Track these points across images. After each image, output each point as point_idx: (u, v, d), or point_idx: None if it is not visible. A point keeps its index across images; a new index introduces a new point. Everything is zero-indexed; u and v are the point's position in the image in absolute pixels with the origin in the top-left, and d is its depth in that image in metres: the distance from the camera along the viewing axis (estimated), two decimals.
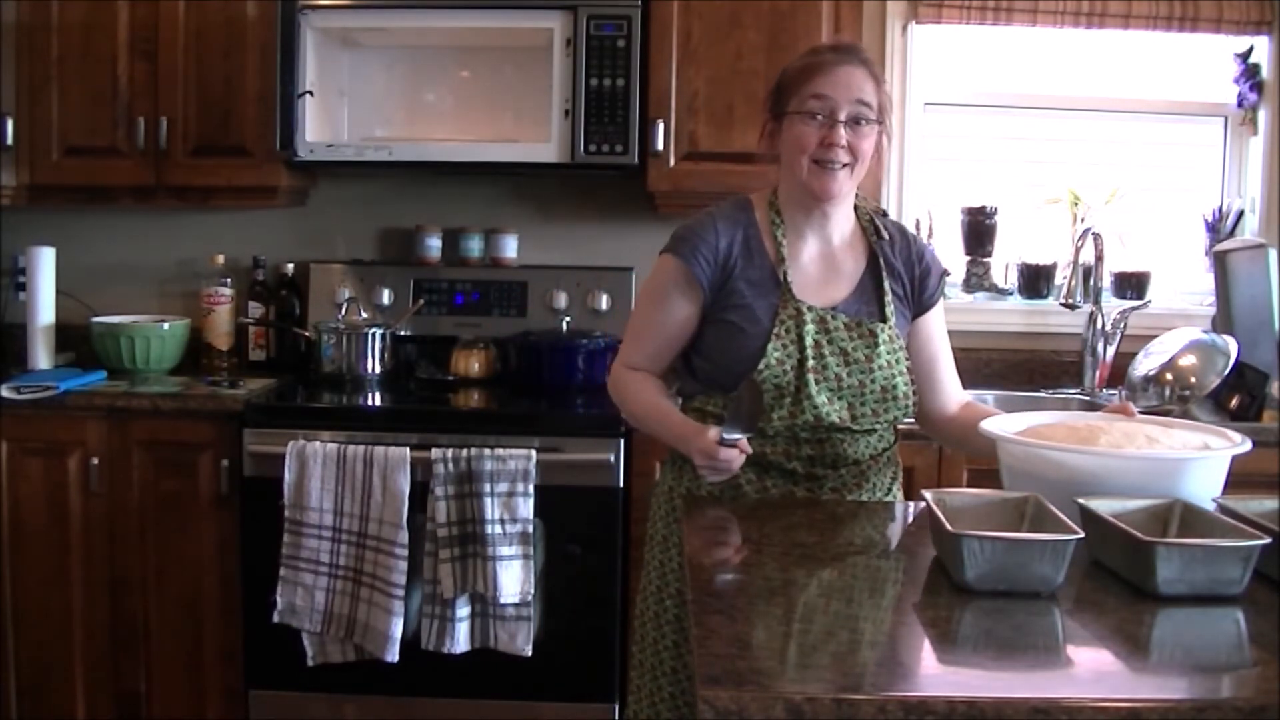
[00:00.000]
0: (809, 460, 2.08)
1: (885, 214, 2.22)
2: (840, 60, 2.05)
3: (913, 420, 2.24)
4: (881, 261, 2.13)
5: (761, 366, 2.03)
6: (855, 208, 2.18)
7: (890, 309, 2.11)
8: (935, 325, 2.18)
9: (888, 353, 2.08)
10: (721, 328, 2.09)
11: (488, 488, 2.82)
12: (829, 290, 2.10)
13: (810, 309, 2.07)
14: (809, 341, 2.04)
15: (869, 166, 2.11)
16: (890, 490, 2.18)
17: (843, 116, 2.03)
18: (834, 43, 2.17)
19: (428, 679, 2.93)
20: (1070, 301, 3.34)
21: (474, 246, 3.51)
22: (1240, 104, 3.61)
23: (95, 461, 3.01)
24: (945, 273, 2.20)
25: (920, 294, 2.15)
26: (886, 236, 2.15)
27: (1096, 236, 3.39)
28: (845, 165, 2.05)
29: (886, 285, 2.11)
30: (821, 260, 2.13)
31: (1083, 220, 3.60)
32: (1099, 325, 3.44)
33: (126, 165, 3.23)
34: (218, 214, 3.54)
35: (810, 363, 2.04)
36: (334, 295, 3.43)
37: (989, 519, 1.73)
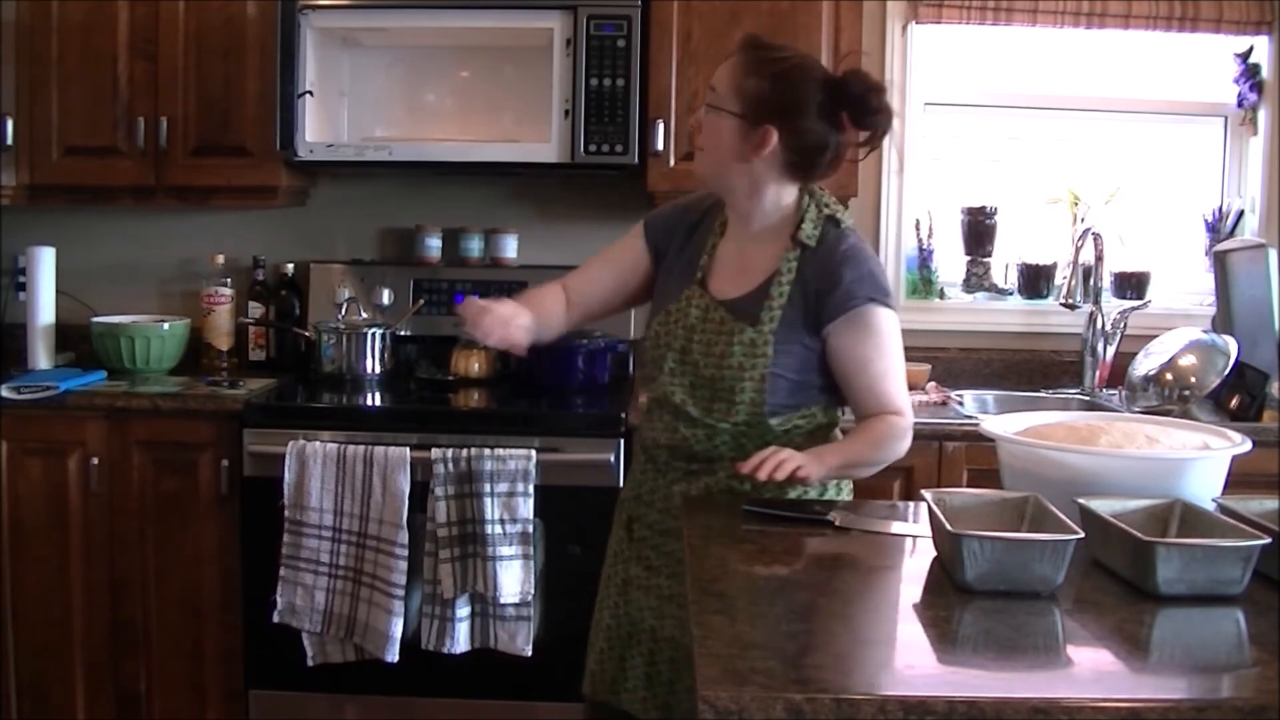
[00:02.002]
0: (668, 450, 2.14)
1: (839, 223, 2.11)
2: (730, 54, 2.09)
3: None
4: (787, 268, 2.09)
5: (644, 336, 2.20)
6: (807, 212, 2.11)
7: (769, 315, 2.07)
8: (844, 344, 2.07)
9: (742, 354, 2.06)
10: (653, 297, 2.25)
11: (488, 488, 2.82)
12: (734, 284, 2.13)
13: (701, 296, 2.12)
14: (688, 324, 2.11)
15: (721, 148, 2.06)
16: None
17: (703, 104, 2.10)
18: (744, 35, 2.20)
19: (428, 679, 2.93)
20: (1070, 301, 3.34)
21: (474, 246, 3.51)
22: (1240, 104, 3.61)
23: (95, 461, 3.01)
24: (867, 298, 2.05)
25: (818, 310, 2.07)
26: (813, 245, 2.08)
27: (1096, 236, 3.39)
28: (700, 149, 2.12)
29: (776, 291, 2.08)
30: (738, 255, 2.15)
31: (1083, 220, 3.60)
32: (1099, 325, 3.44)
33: (126, 165, 3.23)
34: (218, 214, 3.54)
35: (679, 343, 2.12)
36: (334, 295, 3.43)
37: (989, 519, 1.73)
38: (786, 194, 2.11)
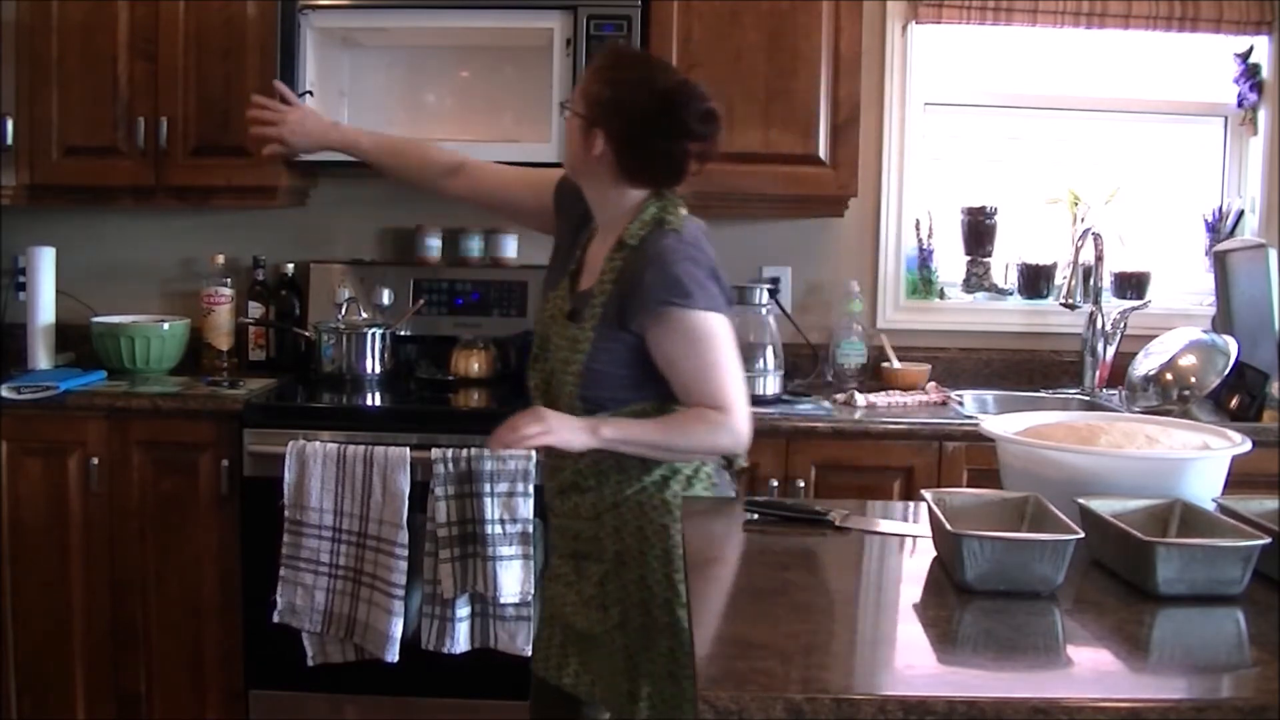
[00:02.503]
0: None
1: (666, 225, 2.12)
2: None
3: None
4: (610, 267, 2.14)
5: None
6: (641, 215, 2.14)
7: (591, 313, 2.13)
8: (653, 342, 2.09)
9: (566, 350, 2.14)
10: None
11: (488, 488, 2.82)
12: (585, 280, 2.21)
13: (565, 290, 2.22)
14: (551, 315, 2.23)
15: (571, 145, 2.18)
16: (621, 495, 2.15)
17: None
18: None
19: (428, 679, 2.93)
20: (1070, 301, 3.34)
21: (474, 246, 3.51)
22: (1240, 104, 3.61)
23: (95, 461, 3.01)
24: (663, 301, 2.06)
25: (623, 310, 2.10)
26: (634, 245, 2.12)
27: (1096, 236, 3.39)
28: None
29: (598, 290, 2.13)
30: (595, 253, 2.22)
31: (1083, 220, 3.60)
32: (1099, 325, 3.44)
33: (126, 165, 3.23)
34: (218, 214, 3.54)
35: (542, 332, 2.25)
36: (334, 295, 3.43)
37: (989, 519, 1.73)
38: (629, 197, 2.16)
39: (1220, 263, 3.36)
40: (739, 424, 2.09)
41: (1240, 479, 1.92)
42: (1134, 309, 3.48)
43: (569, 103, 2.18)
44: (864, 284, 3.54)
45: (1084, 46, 3.60)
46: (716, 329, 2.10)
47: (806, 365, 3.44)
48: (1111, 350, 3.44)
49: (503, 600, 2.83)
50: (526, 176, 2.47)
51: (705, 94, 2.12)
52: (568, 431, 2.07)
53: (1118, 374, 3.38)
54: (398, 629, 2.82)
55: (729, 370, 2.10)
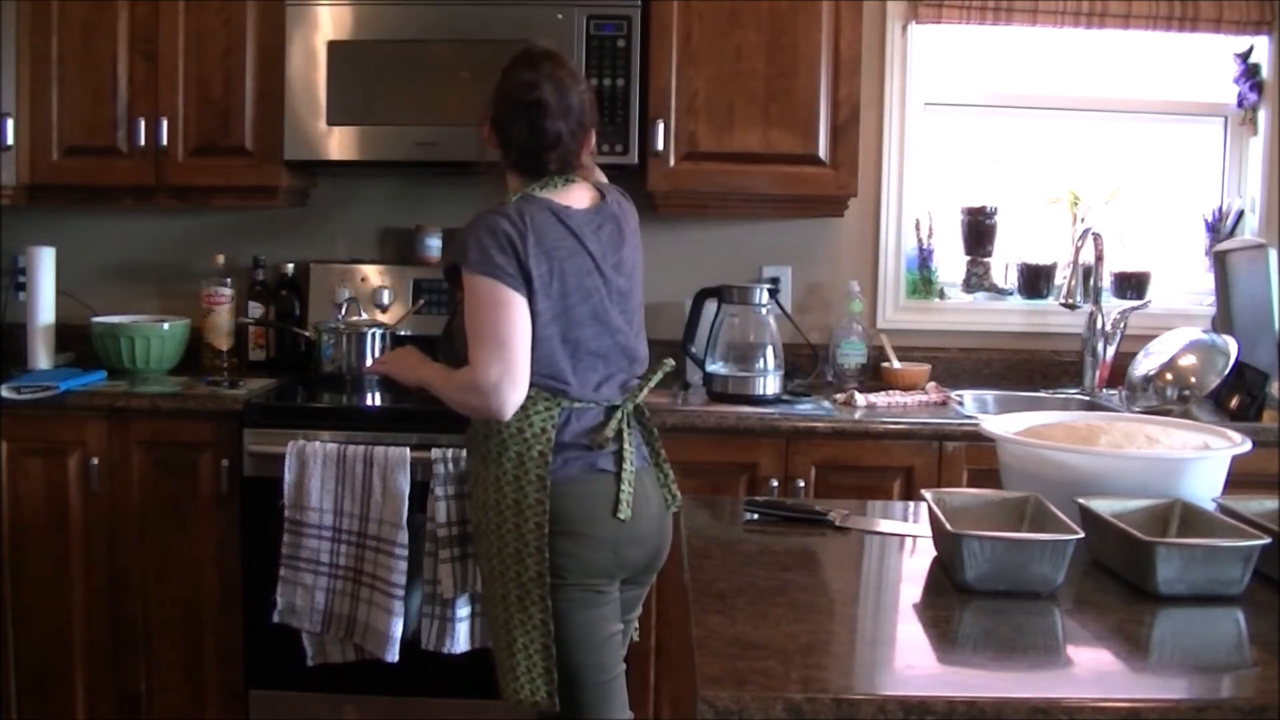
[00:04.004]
0: None
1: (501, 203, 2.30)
2: None
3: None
4: None
5: None
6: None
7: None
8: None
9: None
10: None
11: None
12: None
13: None
14: None
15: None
16: (493, 468, 2.26)
17: None
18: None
19: (428, 679, 2.93)
20: (1070, 301, 3.34)
21: None
22: (1240, 104, 3.61)
23: (95, 461, 3.01)
24: (450, 260, 2.28)
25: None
26: None
27: (1096, 236, 3.39)
28: None
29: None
30: None
31: (1083, 220, 3.60)
32: (1099, 325, 3.44)
33: (126, 165, 3.23)
34: (218, 214, 3.54)
35: None
36: (334, 295, 3.43)
37: (989, 519, 1.73)
38: (514, 184, 2.33)
39: (1220, 263, 3.36)
40: (482, 382, 2.17)
41: (1240, 479, 1.92)
42: (1134, 309, 3.48)
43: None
44: (864, 284, 3.54)
45: (1084, 46, 3.60)
46: (481, 291, 2.19)
47: (806, 365, 3.44)
48: (1111, 350, 3.44)
49: None
50: None
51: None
52: (398, 365, 2.46)
53: (1118, 374, 3.38)
54: (398, 629, 2.82)
55: (482, 332, 2.19)
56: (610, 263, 2.28)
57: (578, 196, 2.31)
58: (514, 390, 2.17)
